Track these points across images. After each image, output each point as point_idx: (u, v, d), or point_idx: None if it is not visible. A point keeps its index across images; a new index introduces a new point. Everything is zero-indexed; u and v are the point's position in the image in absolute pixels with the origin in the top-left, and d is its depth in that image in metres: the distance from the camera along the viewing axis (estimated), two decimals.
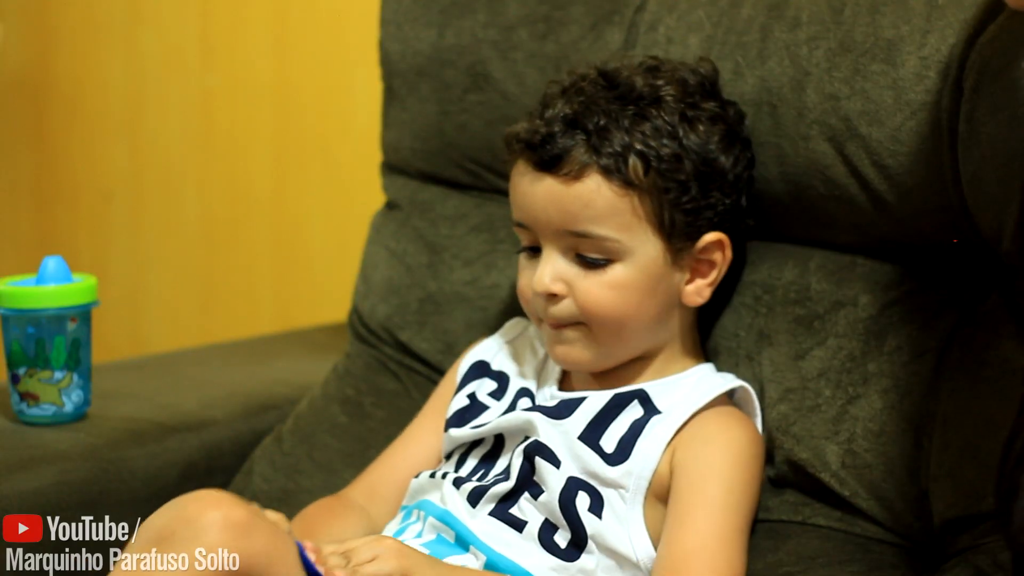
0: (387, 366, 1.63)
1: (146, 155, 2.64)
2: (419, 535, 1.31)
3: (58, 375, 1.51)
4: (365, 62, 1.85)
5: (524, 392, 1.38)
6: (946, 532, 1.23)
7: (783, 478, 1.33)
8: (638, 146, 1.28)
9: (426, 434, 1.43)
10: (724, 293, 1.40)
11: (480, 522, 1.29)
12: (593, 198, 1.28)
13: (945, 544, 1.24)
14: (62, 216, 2.76)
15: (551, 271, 1.30)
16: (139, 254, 2.68)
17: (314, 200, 2.42)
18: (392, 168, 1.71)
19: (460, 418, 1.39)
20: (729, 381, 1.34)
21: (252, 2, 2.45)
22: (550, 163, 1.29)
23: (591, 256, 1.29)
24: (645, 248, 1.29)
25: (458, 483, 1.32)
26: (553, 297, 1.31)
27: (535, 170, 1.30)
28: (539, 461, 1.29)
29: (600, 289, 1.29)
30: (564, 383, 1.38)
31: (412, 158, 1.67)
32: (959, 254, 1.30)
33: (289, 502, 1.53)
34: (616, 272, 1.29)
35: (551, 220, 1.29)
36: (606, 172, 1.28)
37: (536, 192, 1.30)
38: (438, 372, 1.58)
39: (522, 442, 1.31)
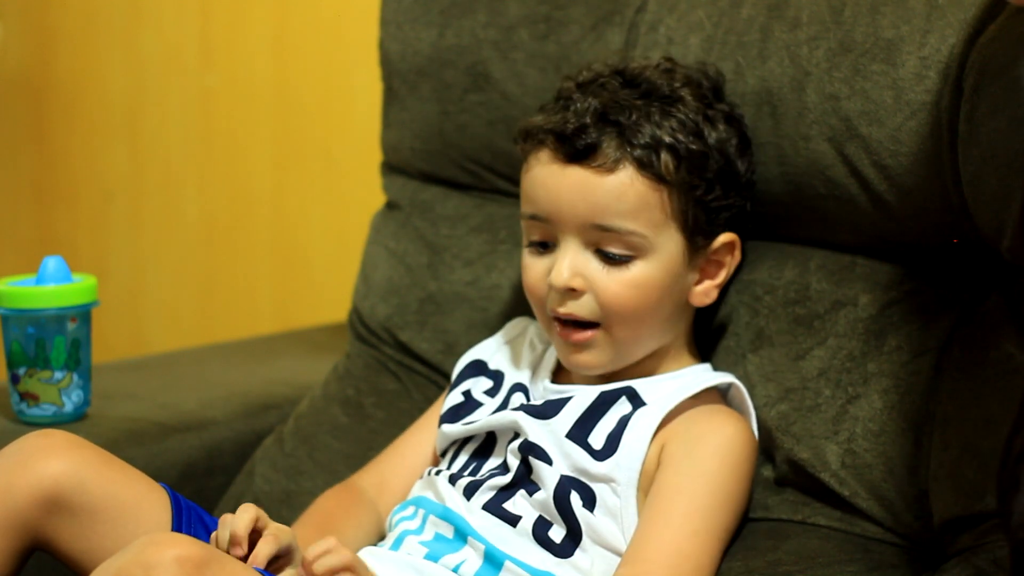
0: (387, 366, 1.63)
1: (146, 155, 2.64)
2: (418, 531, 1.32)
3: (58, 375, 1.51)
4: (365, 62, 1.85)
5: (517, 387, 1.37)
6: (946, 532, 1.23)
7: (783, 477, 1.33)
8: (668, 140, 1.27)
9: (436, 430, 1.43)
10: (722, 292, 1.40)
11: (476, 516, 1.29)
12: (626, 191, 1.27)
13: (945, 544, 1.24)
14: (62, 216, 2.76)
15: (570, 265, 1.28)
16: (139, 254, 2.68)
17: (314, 200, 2.41)
18: (392, 168, 1.71)
19: (454, 414, 1.38)
20: (719, 377, 1.34)
21: (252, 2, 2.45)
22: (583, 153, 1.27)
23: (614, 252, 1.28)
24: (668, 246, 1.29)
25: (453, 479, 1.32)
26: (571, 292, 1.29)
27: (564, 161, 1.28)
28: (533, 461, 1.29)
29: (622, 287, 1.28)
30: (557, 375, 1.37)
31: (412, 158, 1.67)
32: (959, 254, 1.30)
33: (291, 503, 1.53)
34: (638, 269, 1.28)
35: (577, 212, 1.28)
36: (640, 165, 1.27)
37: (563, 183, 1.28)
38: (438, 372, 1.58)
39: (513, 439, 1.31)
